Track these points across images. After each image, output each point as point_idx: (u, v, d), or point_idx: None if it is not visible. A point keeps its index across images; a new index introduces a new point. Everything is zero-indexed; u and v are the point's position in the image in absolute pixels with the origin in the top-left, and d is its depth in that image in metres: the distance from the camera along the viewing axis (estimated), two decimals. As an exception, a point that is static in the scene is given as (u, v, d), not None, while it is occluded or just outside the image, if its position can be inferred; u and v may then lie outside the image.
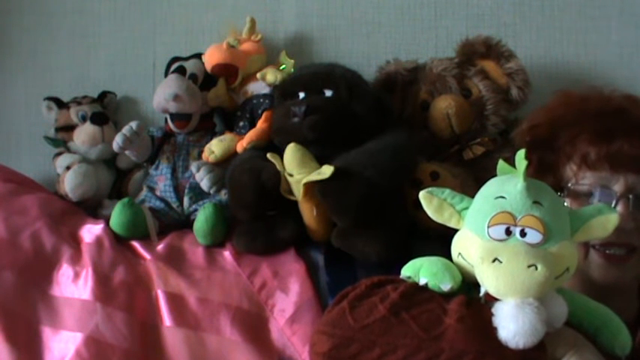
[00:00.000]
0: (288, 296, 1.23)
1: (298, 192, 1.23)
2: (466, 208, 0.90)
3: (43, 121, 1.56)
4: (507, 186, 0.87)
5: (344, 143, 1.27)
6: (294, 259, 1.27)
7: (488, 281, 0.82)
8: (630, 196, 1.00)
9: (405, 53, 1.54)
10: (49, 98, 1.55)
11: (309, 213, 1.25)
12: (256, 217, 1.29)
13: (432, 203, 0.91)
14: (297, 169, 1.22)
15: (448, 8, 1.59)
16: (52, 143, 1.53)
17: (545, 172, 1.07)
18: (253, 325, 1.22)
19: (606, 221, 0.88)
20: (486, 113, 1.41)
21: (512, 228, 0.84)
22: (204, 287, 1.25)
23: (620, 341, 0.88)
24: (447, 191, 0.92)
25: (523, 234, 0.83)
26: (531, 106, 1.37)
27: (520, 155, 0.86)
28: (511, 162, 1.15)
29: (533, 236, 0.83)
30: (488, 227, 0.85)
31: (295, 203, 1.26)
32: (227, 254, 1.30)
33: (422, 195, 0.91)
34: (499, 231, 0.84)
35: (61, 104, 1.54)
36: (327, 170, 1.19)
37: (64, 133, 1.52)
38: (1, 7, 1.63)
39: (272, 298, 1.24)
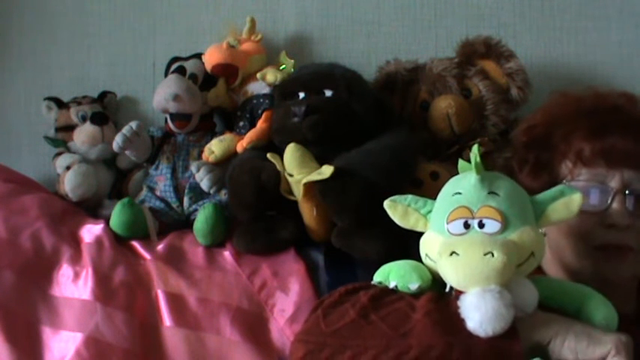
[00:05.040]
0: (288, 296, 1.23)
1: (298, 192, 1.23)
2: (431, 211, 0.91)
3: (43, 121, 1.56)
4: (462, 182, 0.89)
5: (344, 143, 1.27)
6: (294, 259, 1.27)
7: (449, 275, 0.83)
8: (627, 192, 1.00)
9: (405, 53, 1.54)
10: (49, 98, 1.55)
11: (309, 213, 1.25)
12: (256, 217, 1.29)
13: (397, 210, 0.93)
14: (297, 169, 1.22)
15: (448, 8, 1.59)
16: (52, 143, 1.53)
17: (541, 171, 1.07)
18: (253, 325, 1.22)
19: (569, 202, 0.88)
20: (486, 113, 1.41)
21: (469, 221, 0.85)
22: (204, 287, 1.25)
23: (599, 317, 0.87)
24: (410, 197, 0.93)
25: (481, 225, 0.85)
26: (531, 106, 1.37)
27: (473, 149, 0.87)
28: (512, 162, 1.16)
29: (492, 226, 0.84)
30: (447, 224, 0.86)
31: (295, 203, 1.26)
32: (227, 254, 1.31)
33: (386, 204, 0.94)
34: (457, 226, 0.86)
35: (61, 104, 1.54)
36: (327, 170, 1.19)
37: (64, 133, 1.52)
38: (1, 7, 1.63)
39: (272, 298, 1.24)
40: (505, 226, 0.84)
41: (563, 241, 1.03)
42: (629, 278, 1.06)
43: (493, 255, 0.80)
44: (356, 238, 1.22)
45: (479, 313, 0.79)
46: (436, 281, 0.89)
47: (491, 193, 0.86)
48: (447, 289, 0.87)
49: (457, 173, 1.23)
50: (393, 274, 0.91)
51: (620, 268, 1.02)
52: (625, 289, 1.07)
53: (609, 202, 1.00)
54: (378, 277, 0.93)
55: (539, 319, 0.84)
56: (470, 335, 0.79)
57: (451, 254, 0.82)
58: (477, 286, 0.80)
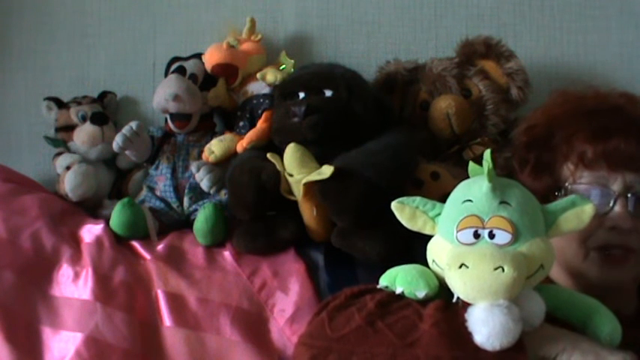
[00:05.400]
0: (288, 296, 1.23)
1: (298, 192, 1.23)
2: (439, 214, 0.90)
3: (43, 121, 1.56)
4: (473, 189, 0.88)
5: (344, 143, 1.27)
6: (294, 259, 1.27)
7: (457, 287, 0.82)
8: (629, 195, 1.00)
9: (405, 53, 1.54)
10: (49, 98, 1.54)
11: (309, 213, 1.25)
12: (256, 217, 1.29)
13: (405, 212, 0.92)
14: (297, 169, 1.22)
15: (448, 8, 1.59)
16: (52, 143, 1.53)
17: (542, 172, 1.07)
18: (253, 325, 1.22)
19: (581, 212, 0.87)
20: (486, 113, 1.41)
21: (480, 231, 0.84)
22: (204, 287, 1.25)
23: (605, 332, 0.86)
24: (418, 199, 0.92)
25: (492, 236, 0.83)
26: (531, 106, 1.37)
27: (485, 156, 0.86)
28: (512, 162, 1.16)
29: (502, 237, 0.83)
30: (457, 232, 0.85)
31: (295, 203, 1.26)
32: (227, 254, 1.30)
33: (394, 205, 0.92)
34: (467, 235, 0.84)
35: (61, 104, 1.54)
36: (327, 170, 1.19)
37: (64, 133, 1.52)
38: (1, 7, 1.63)
39: (272, 298, 1.24)
40: (516, 237, 0.83)
41: (564, 243, 1.02)
42: (630, 280, 1.06)
43: (503, 270, 0.79)
44: (356, 238, 1.21)
45: (487, 327, 0.78)
46: (443, 287, 0.88)
47: (502, 202, 0.85)
48: (455, 299, 0.85)
49: (457, 173, 1.23)
50: (399, 280, 0.90)
51: (622, 271, 1.01)
52: (626, 291, 1.07)
53: (611, 205, 1.00)
54: (384, 280, 0.92)
55: (546, 334, 0.84)
56: (477, 349, 0.79)
57: (460, 266, 0.81)
58: (486, 300, 0.79)
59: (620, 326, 0.87)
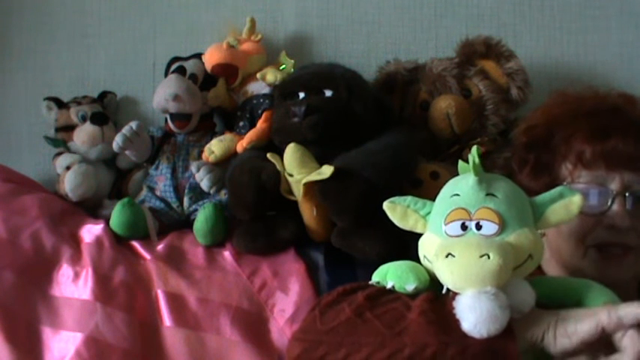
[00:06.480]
0: (288, 296, 1.23)
1: (298, 192, 1.23)
2: (430, 213, 0.91)
3: (43, 121, 1.56)
4: (461, 183, 0.89)
5: (344, 143, 1.27)
6: (294, 259, 1.28)
7: (445, 276, 0.83)
8: (627, 194, 1.00)
9: (405, 53, 1.54)
10: (49, 98, 1.54)
11: (309, 213, 1.25)
12: (256, 217, 1.29)
13: (396, 211, 0.93)
14: (297, 169, 1.22)
15: (448, 8, 1.59)
16: (52, 143, 1.53)
17: (541, 172, 1.07)
18: (253, 325, 1.22)
19: (569, 204, 0.87)
20: (486, 113, 1.41)
21: (467, 223, 0.85)
22: (204, 287, 1.25)
23: (601, 303, 0.86)
24: (409, 198, 0.93)
25: (479, 227, 0.84)
26: (531, 106, 1.37)
27: (472, 151, 0.87)
28: (511, 162, 1.16)
29: (489, 228, 0.84)
30: (445, 225, 0.86)
31: (295, 203, 1.26)
32: (227, 254, 1.31)
33: (385, 205, 0.94)
34: (455, 227, 0.85)
35: (61, 104, 1.54)
36: (327, 170, 1.19)
37: (64, 133, 1.52)
38: (1, 7, 1.63)
39: (272, 298, 1.24)
40: (502, 228, 0.84)
41: (562, 242, 1.03)
42: (629, 278, 1.06)
43: (489, 257, 0.79)
44: (356, 238, 1.21)
45: (474, 314, 0.79)
46: (434, 282, 0.89)
47: (489, 194, 0.86)
48: (444, 291, 0.87)
49: (457, 173, 1.23)
50: (390, 275, 0.91)
51: (621, 269, 1.02)
52: (626, 289, 1.07)
53: (609, 204, 1.00)
54: (375, 277, 0.94)
55: (532, 317, 0.84)
56: (465, 335, 0.79)
57: (447, 256, 0.82)
58: (473, 287, 0.80)
59: (617, 297, 0.87)
